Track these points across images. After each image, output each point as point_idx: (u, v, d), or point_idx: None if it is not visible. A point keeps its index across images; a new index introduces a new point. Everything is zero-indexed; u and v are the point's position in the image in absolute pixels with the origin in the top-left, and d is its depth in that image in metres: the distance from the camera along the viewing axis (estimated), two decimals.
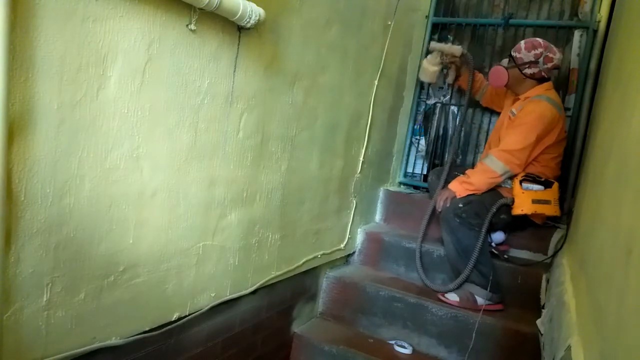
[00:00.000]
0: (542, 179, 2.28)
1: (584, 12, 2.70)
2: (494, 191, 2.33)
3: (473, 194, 2.30)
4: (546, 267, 2.31)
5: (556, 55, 2.29)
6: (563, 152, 2.41)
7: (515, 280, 2.31)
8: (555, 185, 2.30)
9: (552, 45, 2.31)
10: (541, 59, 2.27)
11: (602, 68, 2.41)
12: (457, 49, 2.57)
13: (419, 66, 2.77)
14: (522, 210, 2.25)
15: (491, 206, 2.27)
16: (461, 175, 2.39)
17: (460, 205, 2.26)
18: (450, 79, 2.76)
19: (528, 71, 2.31)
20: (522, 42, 2.33)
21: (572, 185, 2.59)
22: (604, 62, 2.38)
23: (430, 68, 2.61)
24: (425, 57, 2.71)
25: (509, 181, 2.34)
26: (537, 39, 2.33)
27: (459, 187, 2.32)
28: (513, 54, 2.33)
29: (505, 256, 2.37)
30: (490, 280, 2.22)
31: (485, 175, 2.28)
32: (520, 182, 2.28)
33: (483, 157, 2.42)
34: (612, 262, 0.88)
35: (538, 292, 2.23)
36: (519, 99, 2.39)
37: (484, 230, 2.23)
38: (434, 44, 2.63)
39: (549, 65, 2.29)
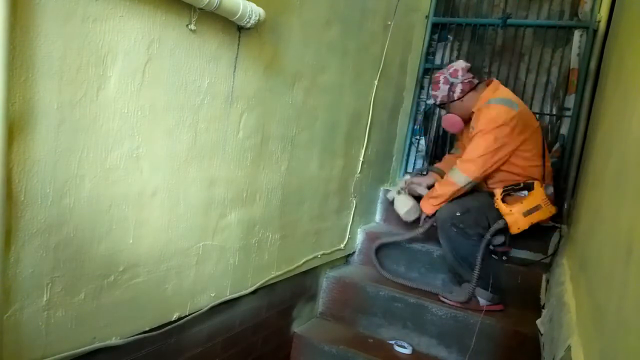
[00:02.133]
0: (521, 184, 2.24)
1: (584, 12, 2.70)
2: (491, 200, 2.29)
3: (470, 202, 2.27)
4: (546, 267, 2.31)
5: (454, 64, 2.33)
6: (542, 143, 2.30)
7: (515, 280, 2.31)
8: (537, 184, 2.23)
9: (446, 68, 2.37)
10: (451, 78, 2.30)
11: (602, 68, 2.41)
12: (407, 177, 2.63)
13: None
14: (518, 229, 2.21)
15: (489, 214, 2.24)
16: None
17: (458, 214, 2.23)
18: (423, 190, 2.60)
19: (457, 94, 2.31)
20: (431, 89, 2.44)
21: (572, 185, 2.59)
22: (604, 62, 2.39)
23: (407, 208, 2.54)
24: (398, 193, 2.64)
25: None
26: (435, 74, 2.44)
27: (426, 205, 2.35)
28: (437, 100, 2.38)
29: (504, 257, 2.36)
30: (490, 281, 2.22)
31: (448, 187, 2.27)
32: (503, 200, 2.23)
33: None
34: (612, 262, 0.88)
35: (538, 292, 2.23)
36: (473, 112, 2.35)
37: (482, 245, 2.18)
38: (390, 194, 2.65)
39: (459, 73, 2.29)
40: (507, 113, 2.18)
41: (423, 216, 2.43)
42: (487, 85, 2.36)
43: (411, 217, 2.54)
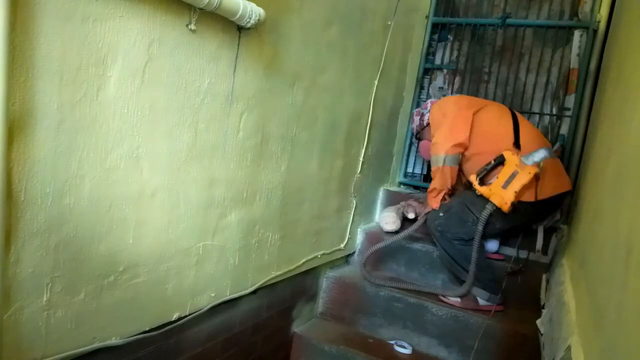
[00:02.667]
0: (491, 162, 2.17)
1: (584, 12, 2.70)
2: (471, 192, 2.24)
3: (452, 201, 2.29)
4: (546, 267, 2.31)
5: (426, 102, 2.60)
6: (503, 113, 2.30)
7: (515, 280, 2.31)
8: (507, 154, 2.14)
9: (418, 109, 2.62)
10: (422, 110, 2.57)
11: (602, 68, 2.41)
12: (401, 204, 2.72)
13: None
14: (506, 204, 2.07)
15: (472, 208, 2.18)
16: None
17: (441, 214, 2.27)
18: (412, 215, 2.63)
19: (426, 121, 2.52)
20: (411, 123, 2.72)
21: (572, 185, 2.59)
22: (604, 62, 2.39)
23: (391, 220, 2.62)
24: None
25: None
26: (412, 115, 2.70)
27: (432, 201, 2.37)
28: (414, 131, 2.64)
29: (508, 271, 2.32)
30: (489, 282, 2.22)
31: (434, 174, 2.33)
32: (480, 184, 2.17)
33: None
34: (612, 262, 0.88)
35: (538, 292, 2.22)
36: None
37: (475, 244, 2.14)
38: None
39: (429, 105, 2.54)
40: (441, 100, 2.44)
41: (425, 211, 2.43)
42: None
43: (389, 228, 2.63)
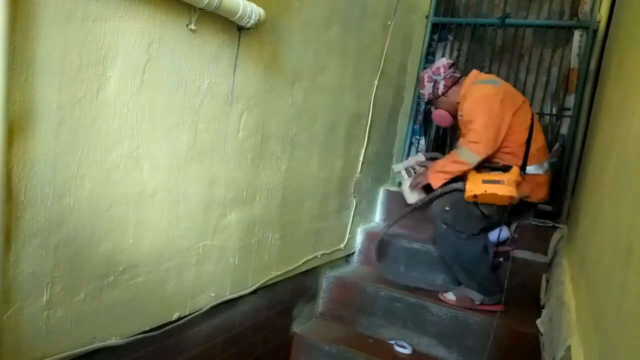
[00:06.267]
0: (500, 165, 2.24)
1: (584, 12, 2.70)
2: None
3: (459, 195, 2.27)
4: (546, 267, 2.31)
5: (437, 62, 2.44)
6: (531, 117, 2.29)
7: (515, 280, 2.31)
8: (514, 169, 2.21)
9: (430, 66, 2.47)
10: (434, 76, 2.40)
11: (602, 68, 2.41)
12: (420, 156, 2.67)
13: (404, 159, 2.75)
14: (471, 190, 2.17)
15: (473, 211, 2.23)
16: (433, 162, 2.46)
17: (447, 208, 2.26)
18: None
19: (441, 90, 2.41)
20: (420, 87, 2.52)
21: (572, 185, 2.59)
22: (604, 62, 2.39)
23: (411, 190, 2.56)
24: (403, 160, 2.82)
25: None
26: (420, 74, 2.58)
27: (436, 178, 2.34)
28: (425, 97, 2.51)
29: (501, 259, 2.35)
30: (486, 285, 2.23)
31: (458, 166, 2.29)
32: (478, 171, 2.25)
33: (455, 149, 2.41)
34: (612, 262, 0.88)
35: (538, 292, 2.23)
36: (459, 102, 2.40)
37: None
38: (397, 165, 2.71)
39: (442, 70, 2.38)
40: (490, 89, 2.26)
41: (422, 182, 2.43)
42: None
43: (413, 200, 2.57)
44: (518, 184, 2.18)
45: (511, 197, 2.14)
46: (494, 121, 2.20)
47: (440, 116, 2.48)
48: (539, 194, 2.31)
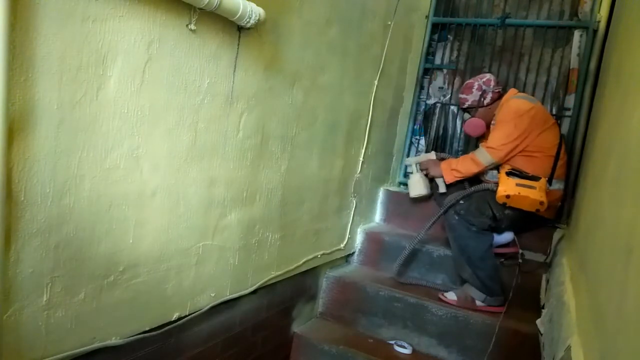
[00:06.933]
0: (529, 174, 2.29)
1: (584, 12, 2.70)
2: (491, 192, 2.31)
3: (469, 191, 2.35)
4: (546, 267, 2.31)
5: (485, 74, 2.50)
6: (559, 138, 2.35)
7: (515, 280, 2.31)
8: (543, 180, 2.26)
9: (478, 76, 2.51)
10: (484, 86, 2.45)
11: (602, 68, 2.41)
12: (432, 155, 2.70)
13: (411, 178, 2.72)
14: (505, 191, 2.22)
15: (492, 203, 2.28)
16: (448, 158, 2.56)
17: (461, 201, 2.31)
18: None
19: (487, 101, 2.46)
20: (460, 93, 2.53)
21: (572, 185, 2.59)
22: (604, 62, 2.39)
23: (420, 182, 2.63)
24: (408, 157, 2.91)
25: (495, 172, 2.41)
26: (467, 81, 2.54)
27: (448, 173, 2.46)
28: (466, 104, 2.50)
29: (503, 260, 2.36)
30: (489, 284, 2.23)
31: (473, 166, 2.41)
32: (506, 173, 2.31)
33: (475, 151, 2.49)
34: (612, 262, 0.88)
35: (538, 292, 2.23)
36: (494, 114, 2.46)
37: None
38: (409, 159, 2.77)
39: (492, 83, 2.45)
40: (526, 105, 2.32)
41: (436, 175, 2.54)
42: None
43: (420, 192, 2.64)
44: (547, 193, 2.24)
45: (541, 203, 2.19)
46: (518, 135, 2.28)
47: (475, 124, 2.50)
48: (551, 211, 2.37)
